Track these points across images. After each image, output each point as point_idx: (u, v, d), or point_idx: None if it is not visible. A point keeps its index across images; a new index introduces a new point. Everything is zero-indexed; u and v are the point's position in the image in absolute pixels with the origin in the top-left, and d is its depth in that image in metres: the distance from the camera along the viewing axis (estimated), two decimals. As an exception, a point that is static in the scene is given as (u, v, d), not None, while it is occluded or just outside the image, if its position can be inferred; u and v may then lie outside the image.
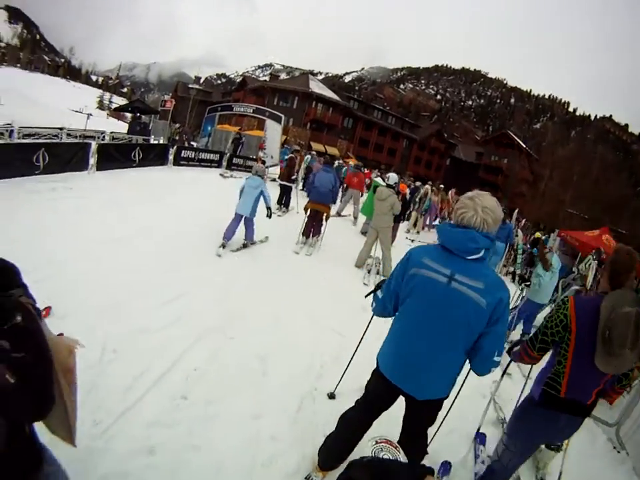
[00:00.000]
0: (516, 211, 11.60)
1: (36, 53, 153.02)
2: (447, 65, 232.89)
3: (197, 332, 3.73)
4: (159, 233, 6.06)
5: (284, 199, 10.34)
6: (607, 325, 1.95)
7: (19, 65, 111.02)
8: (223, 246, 6.17)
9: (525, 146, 61.16)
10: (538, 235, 5.93)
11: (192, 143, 16.65)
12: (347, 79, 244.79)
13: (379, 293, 2.33)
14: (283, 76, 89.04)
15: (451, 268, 1.90)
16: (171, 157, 12.69)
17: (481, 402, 3.60)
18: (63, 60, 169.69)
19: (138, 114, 17.91)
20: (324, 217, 7.46)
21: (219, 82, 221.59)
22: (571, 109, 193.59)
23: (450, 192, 14.97)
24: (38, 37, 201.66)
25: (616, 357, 1.95)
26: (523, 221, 12.28)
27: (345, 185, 12.93)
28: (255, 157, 16.27)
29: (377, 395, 2.26)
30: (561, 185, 34.06)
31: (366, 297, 2.68)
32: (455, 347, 1.95)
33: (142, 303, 3.98)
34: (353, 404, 2.41)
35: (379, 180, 9.80)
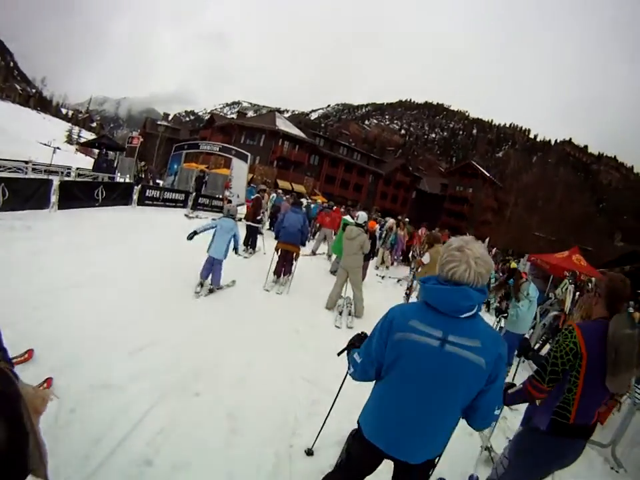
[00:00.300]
0: (486, 240, 11.83)
1: (8, 81, 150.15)
2: (410, 100, 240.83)
3: (163, 388, 3.48)
4: (121, 279, 5.76)
5: (250, 240, 10.20)
6: (614, 347, 2.07)
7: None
8: (201, 284, 6.20)
9: (488, 175, 63.20)
10: (514, 264, 5.92)
11: (158, 181, 16.49)
12: (313, 116, 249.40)
13: (356, 356, 2.02)
14: (251, 114, 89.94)
15: (442, 329, 1.68)
16: (135, 197, 12.39)
17: (468, 440, 3.54)
18: (34, 90, 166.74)
19: (104, 150, 17.73)
20: (294, 257, 7.59)
21: (188, 119, 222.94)
22: (531, 136, 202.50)
23: (420, 229, 14.55)
24: (12, 64, 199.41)
25: (624, 375, 2.10)
26: (494, 249, 12.50)
27: (318, 224, 13.39)
28: (220, 197, 16.21)
29: (361, 462, 2.05)
30: (527, 210, 35.23)
31: (339, 354, 2.53)
32: (452, 409, 1.77)
33: (103, 356, 3.71)
34: (334, 464, 2.24)
35: (347, 218, 10.00)
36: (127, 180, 18.38)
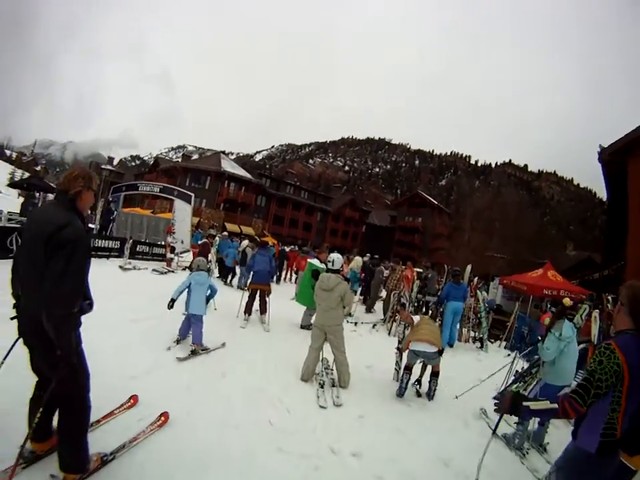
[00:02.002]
0: (468, 267, 11.06)
1: None
2: (352, 137, 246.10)
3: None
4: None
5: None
6: None
7: None
8: (178, 341, 5.78)
9: (436, 203, 64.92)
10: (567, 301, 4.79)
11: (91, 225, 14.70)
12: (258, 157, 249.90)
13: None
14: (195, 157, 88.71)
15: None
16: None
17: None
18: None
19: (34, 192, 15.97)
20: (266, 294, 8.36)
21: (133, 164, 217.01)
22: (472, 161, 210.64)
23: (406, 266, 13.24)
24: None
25: None
26: (475, 279, 11.81)
27: (296, 269, 14.80)
28: (163, 243, 14.68)
29: None
30: (484, 233, 35.46)
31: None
32: None
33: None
34: None
35: (315, 262, 8.62)
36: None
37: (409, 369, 5.52)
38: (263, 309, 8.33)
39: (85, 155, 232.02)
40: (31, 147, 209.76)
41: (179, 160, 61.24)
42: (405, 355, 5.88)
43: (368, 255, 16.54)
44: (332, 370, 5.81)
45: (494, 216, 35.81)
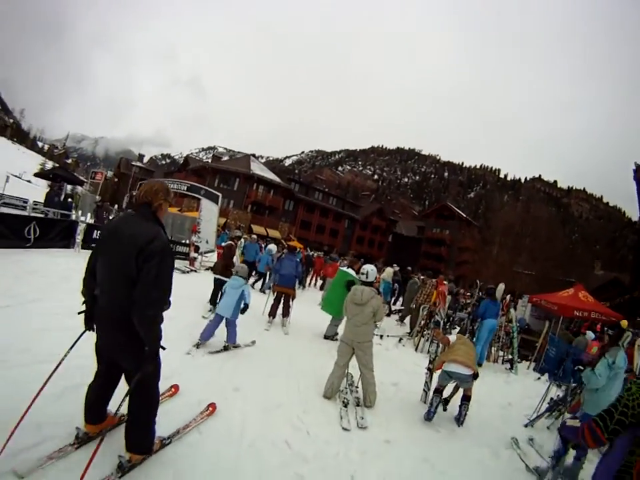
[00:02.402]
0: (501, 285, 10.36)
1: None
2: (382, 146, 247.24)
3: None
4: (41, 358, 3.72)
5: (219, 297, 7.68)
6: None
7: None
8: (197, 345, 5.64)
9: (465, 215, 63.91)
10: (625, 323, 4.23)
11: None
12: (287, 162, 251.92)
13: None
14: (226, 159, 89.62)
15: None
16: (79, 238, 10.14)
17: None
18: (12, 121, 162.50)
19: (60, 182, 15.82)
20: (291, 298, 8.40)
21: (164, 162, 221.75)
22: (502, 175, 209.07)
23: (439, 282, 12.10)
24: None
25: None
26: (508, 296, 11.12)
27: (322, 275, 15.07)
28: (187, 242, 14.36)
29: None
30: (514, 249, 34.71)
31: None
32: None
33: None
34: None
35: (349, 271, 7.97)
36: (87, 219, 16.54)
37: (439, 391, 5.07)
38: (286, 312, 8.37)
39: (116, 151, 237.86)
40: (63, 140, 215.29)
41: (209, 160, 61.56)
42: (435, 375, 5.47)
43: (394, 265, 15.94)
44: (357, 387, 5.38)
45: (525, 231, 34.81)
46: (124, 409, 2.59)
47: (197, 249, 13.30)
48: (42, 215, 11.86)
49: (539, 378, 8.48)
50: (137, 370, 2.46)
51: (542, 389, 6.51)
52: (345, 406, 4.81)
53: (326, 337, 8.19)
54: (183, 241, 14.51)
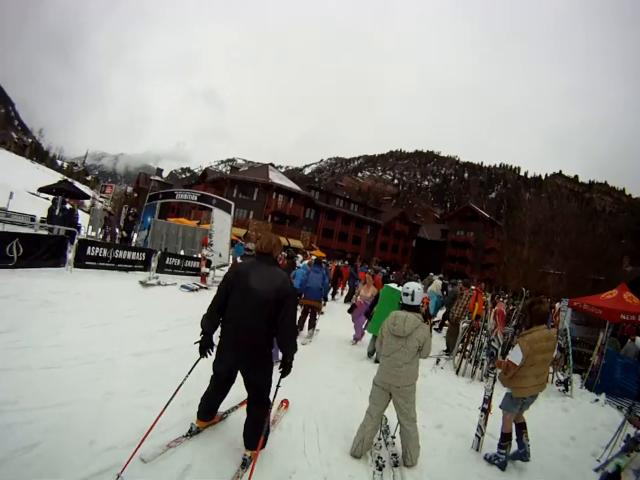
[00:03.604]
0: (558, 304, 8.93)
1: (5, 129, 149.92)
2: (401, 150, 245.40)
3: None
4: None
5: None
6: None
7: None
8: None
9: (488, 216, 62.47)
10: None
11: (121, 234, 13.38)
12: (307, 171, 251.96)
13: None
14: (244, 169, 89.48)
15: None
16: (69, 255, 8.93)
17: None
18: (30, 140, 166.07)
19: (63, 196, 14.87)
20: (317, 311, 8.41)
21: (184, 176, 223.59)
22: (522, 173, 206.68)
23: (495, 300, 10.63)
24: (13, 113, 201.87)
25: None
26: (557, 304, 9.74)
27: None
28: (199, 256, 13.12)
29: None
30: (545, 248, 33.04)
31: None
32: None
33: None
34: None
35: (395, 286, 7.25)
36: (98, 234, 15.62)
37: (510, 435, 4.08)
38: (311, 324, 8.36)
39: (136, 167, 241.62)
40: (82, 158, 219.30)
41: (228, 172, 61.06)
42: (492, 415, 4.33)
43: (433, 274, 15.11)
44: (393, 437, 4.14)
45: (556, 229, 33.06)
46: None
47: (208, 264, 12.10)
48: (46, 232, 10.72)
49: (596, 400, 7.09)
50: (263, 380, 3.22)
51: (605, 416, 5.89)
52: (380, 469, 3.61)
53: (370, 354, 7.62)
54: (195, 255, 13.31)
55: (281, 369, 3.23)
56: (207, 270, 11.89)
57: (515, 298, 19.82)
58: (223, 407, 3.72)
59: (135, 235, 15.60)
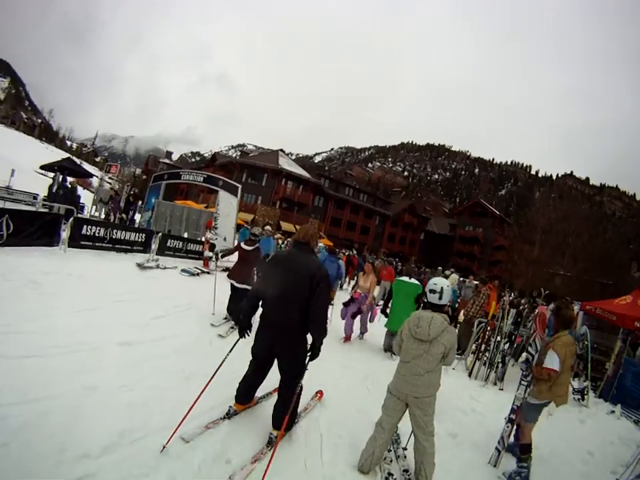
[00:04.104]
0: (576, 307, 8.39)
1: (15, 109, 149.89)
2: (412, 142, 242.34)
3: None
4: None
5: (236, 307, 6.41)
6: None
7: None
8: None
9: (498, 213, 62.16)
10: None
11: (120, 215, 12.93)
12: (317, 159, 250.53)
13: None
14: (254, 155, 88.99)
15: None
16: (64, 234, 8.36)
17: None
18: (40, 120, 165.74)
19: (65, 174, 14.51)
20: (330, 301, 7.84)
21: (193, 160, 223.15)
22: (533, 172, 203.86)
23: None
24: (23, 94, 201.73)
25: None
26: (576, 308, 9.24)
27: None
28: (201, 239, 12.58)
29: None
30: (556, 249, 32.75)
31: None
32: None
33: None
34: None
35: (411, 281, 7.25)
36: (102, 214, 15.25)
37: (530, 446, 3.83)
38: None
39: (146, 149, 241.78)
40: (92, 139, 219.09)
41: (238, 157, 60.54)
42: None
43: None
44: (405, 449, 3.76)
45: (568, 229, 32.53)
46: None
47: (211, 247, 11.61)
48: (46, 210, 10.20)
49: (612, 411, 6.63)
50: (295, 364, 3.37)
51: (622, 429, 5.62)
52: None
53: (386, 350, 7.39)
54: (199, 239, 12.85)
55: (310, 353, 3.33)
56: (210, 254, 11.41)
57: (522, 297, 19.38)
58: (259, 392, 3.86)
59: (139, 216, 15.23)
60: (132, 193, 13.60)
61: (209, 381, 3.30)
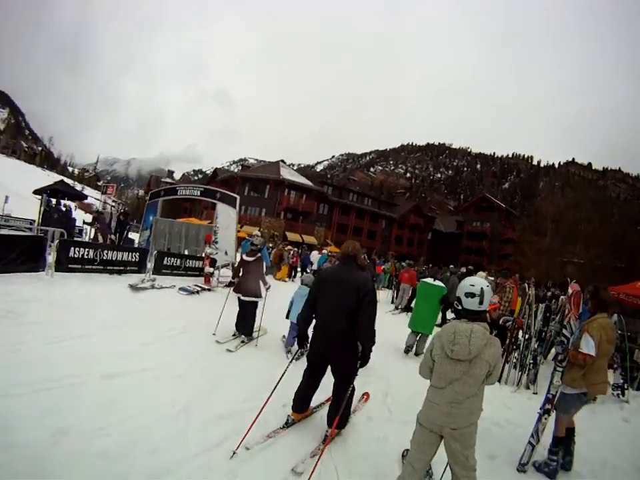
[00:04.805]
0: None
1: (16, 138, 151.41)
2: (412, 143, 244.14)
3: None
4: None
5: (243, 322, 6.26)
6: None
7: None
8: (290, 351, 6.01)
9: (504, 206, 62.50)
10: None
11: (111, 236, 12.35)
12: (319, 168, 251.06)
13: None
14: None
15: None
16: (50, 258, 7.82)
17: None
18: (40, 148, 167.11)
19: (60, 198, 14.13)
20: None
21: (196, 178, 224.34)
22: (535, 162, 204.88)
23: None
24: (23, 124, 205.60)
25: None
26: None
27: (397, 280, 14.57)
28: (201, 255, 11.84)
29: None
30: (568, 236, 32.35)
31: None
32: None
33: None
34: None
35: (435, 283, 7.46)
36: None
37: (563, 440, 3.66)
38: None
39: (148, 171, 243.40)
40: (94, 164, 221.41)
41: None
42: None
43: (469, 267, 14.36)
44: None
45: (579, 216, 32.00)
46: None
47: (212, 263, 11.05)
48: (42, 235, 9.61)
49: None
50: (345, 368, 3.56)
51: None
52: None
53: (406, 351, 7.33)
54: (199, 254, 12.26)
55: (360, 360, 3.52)
56: (211, 270, 10.83)
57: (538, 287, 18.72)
58: (313, 403, 4.02)
59: (137, 235, 14.77)
60: (122, 211, 13.07)
61: (268, 397, 3.52)
